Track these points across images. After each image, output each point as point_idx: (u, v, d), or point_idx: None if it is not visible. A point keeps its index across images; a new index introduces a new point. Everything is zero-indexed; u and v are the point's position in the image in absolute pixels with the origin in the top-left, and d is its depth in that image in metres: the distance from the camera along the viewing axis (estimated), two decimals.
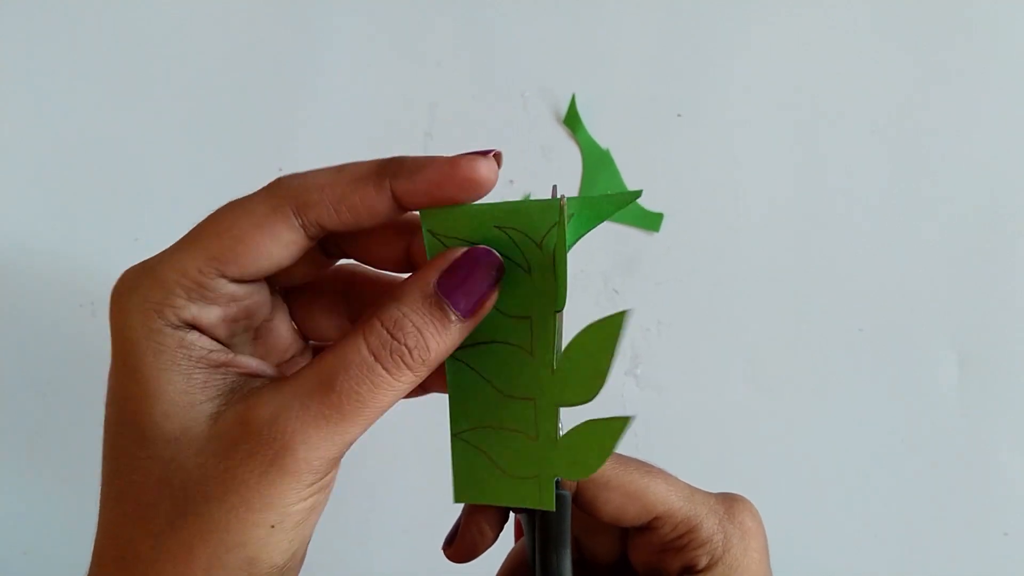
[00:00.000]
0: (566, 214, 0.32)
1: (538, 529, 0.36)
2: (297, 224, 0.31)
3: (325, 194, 0.31)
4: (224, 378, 0.31)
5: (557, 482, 0.35)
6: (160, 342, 0.30)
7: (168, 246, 0.32)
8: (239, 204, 0.31)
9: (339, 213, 0.31)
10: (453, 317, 0.31)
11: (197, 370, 0.30)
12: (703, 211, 0.65)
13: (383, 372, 0.30)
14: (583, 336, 0.33)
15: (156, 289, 0.30)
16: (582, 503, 0.37)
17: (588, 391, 0.34)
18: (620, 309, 0.33)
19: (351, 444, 0.30)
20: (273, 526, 0.29)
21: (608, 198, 0.34)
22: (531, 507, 0.35)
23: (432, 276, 0.31)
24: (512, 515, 0.40)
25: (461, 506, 0.40)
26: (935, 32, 0.66)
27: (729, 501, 0.37)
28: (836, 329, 0.65)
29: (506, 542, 0.41)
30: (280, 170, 0.32)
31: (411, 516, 0.64)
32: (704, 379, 0.65)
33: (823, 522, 0.64)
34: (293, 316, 0.38)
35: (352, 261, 0.37)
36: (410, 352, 0.30)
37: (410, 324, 0.30)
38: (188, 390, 0.30)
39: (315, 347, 0.40)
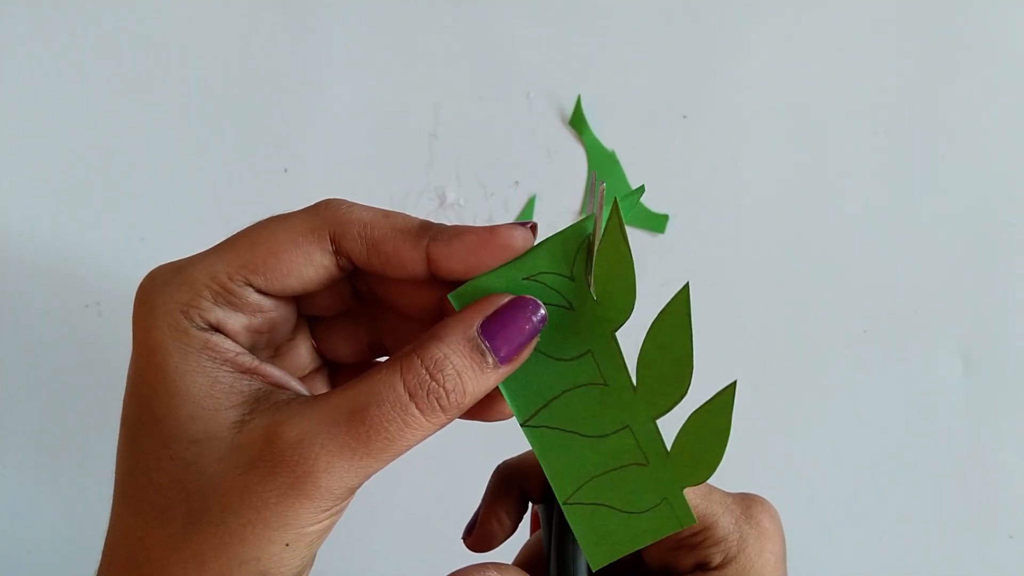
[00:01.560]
0: (603, 208, 0.32)
1: (555, 522, 0.36)
2: (331, 250, 0.31)
3: (365, 231, 0.31)
4: (250, 385, 0.31)
5: None
6: (186, 343, 0.30)
7: (201, 250, 0.32)
8: (280, 218, 0.32)
9: (370, 254, 0.31)
10: (491, 362, 0.31)
11: (223, 373, 0.30)
12: (708, 212, 0.65)
13: (416, 412, 0.29)
14: (652, 333, 0.34)
15: (184, 289, 0.30)
16: None
17: (679, 387, 0.35)
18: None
19: (371, 475, 0.30)
20: (287, 544, 0.29)
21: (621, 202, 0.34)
22: (673, 531, 0.33)
23: (477, 319, 0.31)
24: (530, 505, 0.40)
25: (478, 497, 0.40)
26: (939, 32, 0.66)
27: (748, 501, 0.37)
28: (840, 330, 0.65)
29: (522, 533, 0.41)
30: (285, 171, 0.32)
31: (424, 513, 0.64)
32: (708, 380, 0.65)
33: (826, 523, 0.64)
34: (313, 334, 0.38)
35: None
36: (447, 395, 0.30)
37: (451, 366, 0.30)
38: (214, 394, 0.30)
39: (332, 374, 0.39)
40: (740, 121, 0.66)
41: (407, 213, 0.32)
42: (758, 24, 0.66)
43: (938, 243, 0.65)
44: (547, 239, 0.32)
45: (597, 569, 0.34)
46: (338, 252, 0.31)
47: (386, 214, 0.32)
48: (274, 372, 0.32)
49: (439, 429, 0.30)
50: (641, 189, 0.36)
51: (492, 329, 0.31)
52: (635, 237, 0.65)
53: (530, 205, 0.65)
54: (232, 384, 0.30)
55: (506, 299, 0.32)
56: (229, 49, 0.66)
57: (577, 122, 0.65)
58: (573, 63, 0.66)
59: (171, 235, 0.63)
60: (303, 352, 0.37)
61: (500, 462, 0.40)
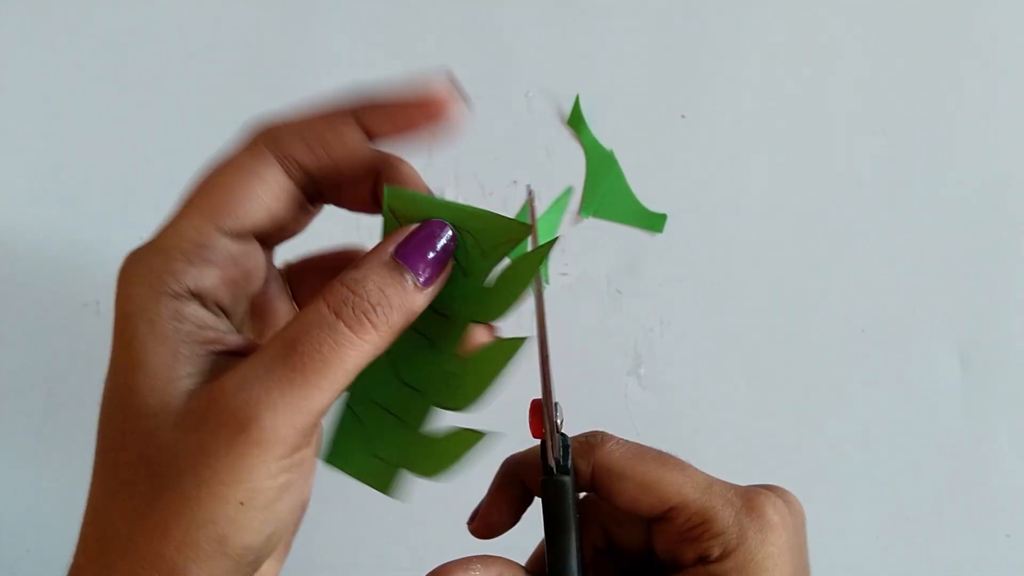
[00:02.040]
0: (534, 222, 0.33)
1: (543, 513, 0.37)
2: (276, 164, 0.32)
3: (301, 132, 0.32)
4: (208, 356, 0.31)
5: (556, 468, 0.36)
6: (155, 311, 0.30)
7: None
8: (221, 159, 0.32)
9: (314, 150, 0.32)
10: (411, 281, 0.31)
11: (184, 344, 0.30)
12: (706, 212, 0.65)
13: (345, 329, 0.30)
14: (486, 351, 0.35)
15: (157, 256, 0.31)
16: (600, 492, 0.37)
17: (466, 402, 0.35)
18: (522, 336, 0.34)
19: (320, 414, 0.30)
20: (242, 503, 0.29)
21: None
22: (377, 490, 0.36)
23: (390, 246, 0.32)
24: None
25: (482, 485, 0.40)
26: (938, 32, 0.66)
27: (751, 493, 0.37)
28: (838, 329, 0.65)
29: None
30: None
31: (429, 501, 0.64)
32: (706, 379, 0.65)
33: (824, 522, 0.64)
34: (295, 298, 0.38)
35: (354, 246, 0.38)
36: (373, 308, 0.30)
37: (372, 283, 0.31)
38: (173, 365, 0.30)
39: None
40: (738, 120, 0.66)
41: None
42: (756, 23, 0.66)
43: (937, 243, 0.65)
44: (498, 214, 0.33)
45: (324, 462, 0.37)
46: (288, 167, 0.32)
47: (309, 109, 0.33)
48: (237, 341, 0.32)
49: (375, 351, 0.31)
50: (567, 194, 0.37)
51: (406, 252, 0.32)
52: (634, 236, 0.65)
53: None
54: (191, 355, 0.30)
55: (414, 225, 0.33)
56: (227, 49, 0.66)
57: (575, 121, 0.65)
58: (571, 62, 0.66)
59: None
60: (283, 311, 0.37)
61: (508, 456, 0.41)
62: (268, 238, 0.35)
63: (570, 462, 0.37)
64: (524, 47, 0.66)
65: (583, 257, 0.64)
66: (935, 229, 0.65)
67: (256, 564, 0.31)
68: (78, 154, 0.65)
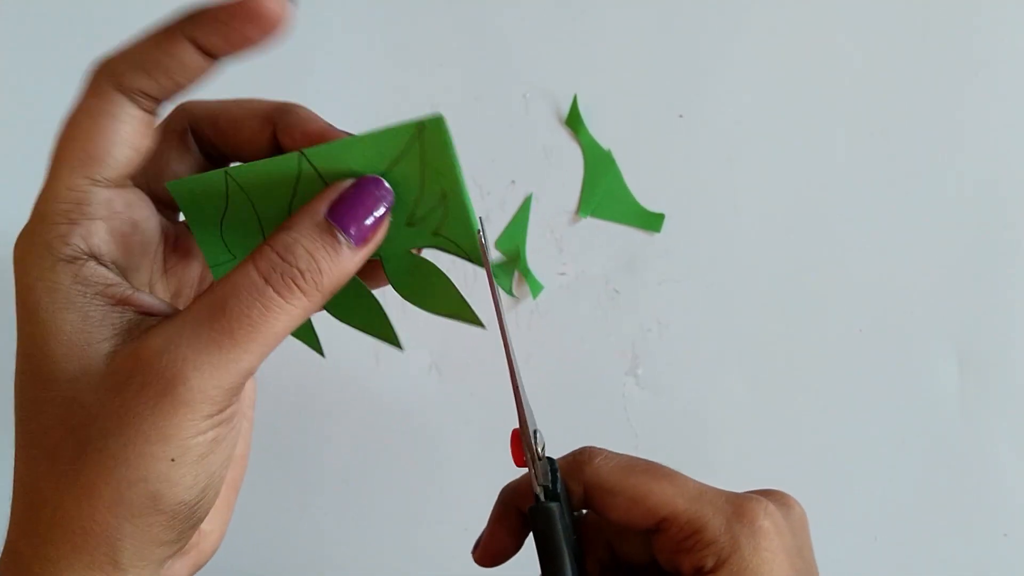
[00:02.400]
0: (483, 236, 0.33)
1: (535, 541, 0.36)
2: (129, 102, 0.31)
3: (135, 60, 0.31)
4: (122, 316, 0.30)
5: (544, 495, 0.36)
6: (54, 280, 0.30)
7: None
8: (69, 110, 0.32)
9: (153, 76, 0.31)
10: (343, 241, 0.31)
11: (93, 307, 0.30)
12: (704, 212, 0.65)
13: (274, 295, 0.29)
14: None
15: (40, 224, 0.30)
16: (594, 508, 0.37)
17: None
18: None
19: (247, 374, 0.30)
20: (173, 459, 0.29)
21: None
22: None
23: (322, 206, 0.31)
24: None
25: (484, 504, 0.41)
26: (938, 32, 0.66)
27: (741, 500, 0.36)
28: (836, 330, 0.65)
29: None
30: None
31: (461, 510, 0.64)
32: (704, 380, 0.65)
33: (821, 523, 0.64)
34: (220, 138, 0.38)
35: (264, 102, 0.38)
36: (302, 275, 0.30)
37: (301, 248, 0.30)
38: (85, 328, 0.30)
39: None
40: (736, 120, 0.66)
41: None
42: (754, 23, 0.66)
43: (935, 243, 0.65)
44: (373, 134, 0.33)
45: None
46: (136, 99, 0.31)
47: (142, 34, 0.32)
48: (149, 300, 0.31)
49: (305, 314, 0.31)
50: (527, 204, 0.36)
51: (339, 212, 0.31)
52: (632, 236, 0.65)
53: (526, 204, 0.65)
54: (103, 317, 0.30)
55: (349, 183, 0.32)
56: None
57: (573, 121, 0.65)
58: (569, 63, 0.66)
59: None
60: (196, 265, 0.37)
61: (505, 485, 0.41)
62: (157, 187, 0.35)
63: (559, 485, 0.37)
64: (522, 47, 0.66)
65: (581, 257, 0.64)
66: (933, 230, 0.65)
67: (193, 518, 0.31)
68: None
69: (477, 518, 0.41)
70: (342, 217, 0.31)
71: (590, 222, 0.64)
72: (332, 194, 0.32)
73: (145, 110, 0.31)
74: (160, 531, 0.30)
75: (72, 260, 0.30)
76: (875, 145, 0.65)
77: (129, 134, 0.31)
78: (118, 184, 0.32)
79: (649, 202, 0.65)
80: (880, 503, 0.64)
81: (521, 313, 0.64)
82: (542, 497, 0.36)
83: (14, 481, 0.31)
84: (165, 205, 0.35)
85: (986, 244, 0.65)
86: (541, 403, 0.64)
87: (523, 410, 0.37)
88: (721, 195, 0.65)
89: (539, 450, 0.37)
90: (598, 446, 0.38)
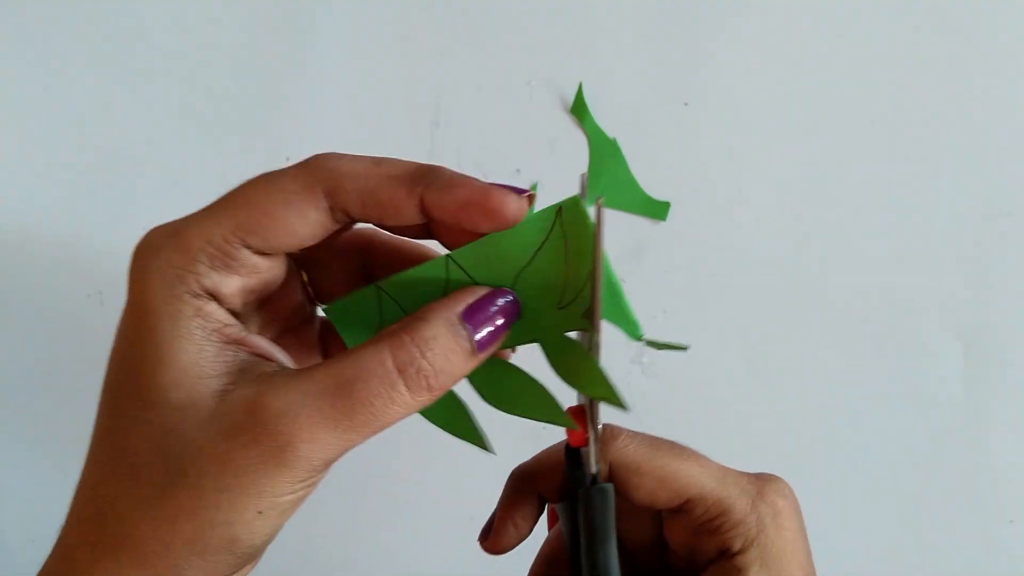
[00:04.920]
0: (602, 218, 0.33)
1: (583, 523, 0.36)
2: (325, 206, 0.31)
3: (358, 183, 0.31)
4: (235, 356, 0.31)
5: (598, 476, 0.36)
6: (178, 308, 0.30)
7: (195, 211, 0.32)
8: (271, 177, 0.32)
9: (365, 206, 0.31)
10: (469, 347, 0.31)
11: (210, 343, 0.30)
12: (710, 200, 0.65)
13: (403, 389, 0.30)
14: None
15: (180, 254, 0.31)
16: (617, 487, 0.37)
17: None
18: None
19: (350, 449, 0.30)
20: (260, 512, 0.29)
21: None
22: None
23: (459, 306, 0.32)
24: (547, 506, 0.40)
25: (491, 495, 0.41)
26: (940, 21, 0.65)
27: (762, 481, 0.37)
28: (840, 317, 0.65)
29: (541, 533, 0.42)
30: (287, 160, 0.32)
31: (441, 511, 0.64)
32: (709, 367, 0.65)
33: (826, 511, 0.64)
34: (308, 276, 0.38)
35: (370, 225, 0.37)
36: (436, 374, 0.30)
37: (439, 346, 0.31)
38: (199, 362, 0.30)
39: (323, 320, 0.40)
40: (742, 108, 0.65)
41: (399, 158, 0.32)
42: (760, 10, 0.66)
43: (939, 230, 0.65)
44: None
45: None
46: (333, 207, 0.31)
47: (378, 162, 0.32)
48: (261, 344, 0.32)
49: (421, 407, 0.31)
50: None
51: (472, 316, 0.32)
52: (636, 224, 0.65)
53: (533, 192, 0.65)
54: (218, 354, 0.30)
55: (485, 290, 0.33)
56: (229, 39, 0.66)
57: (578, 109, 0.65)
58: (574, 50, 0.66)
59: None
60: (292, 297, 0.37)
61: (515, 466, 0.41)
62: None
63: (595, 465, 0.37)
64: (526, 35, 0.66)
65: None
66: (938, 216, 0.65)
67: (255, 558, 0.32)
68: (81, 146, 0.65)
69: (481, 506, 0.41)
70: (474, 320, 0.32)
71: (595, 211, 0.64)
72: (469, 297, 0.32)
73: (335, 221, 0.32)
74: (223, 568, 0.30)
75: (196, 296, 0.30)
76: (880, 133, 0.65)
77: (305, 235, 0.32)
78: (267, 255, 0.32)
79: (654, 190, 0.65)
80: (885, 490, 0.64)
81: None
82: (600, 474, 0.36)
83: (80, 486, 0.32)
84: None
85: (990, 230, 0.65)
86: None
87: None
88: (726, 183, 0.65)
89: (599, 429, 0.37)
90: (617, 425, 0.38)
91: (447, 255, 0.33)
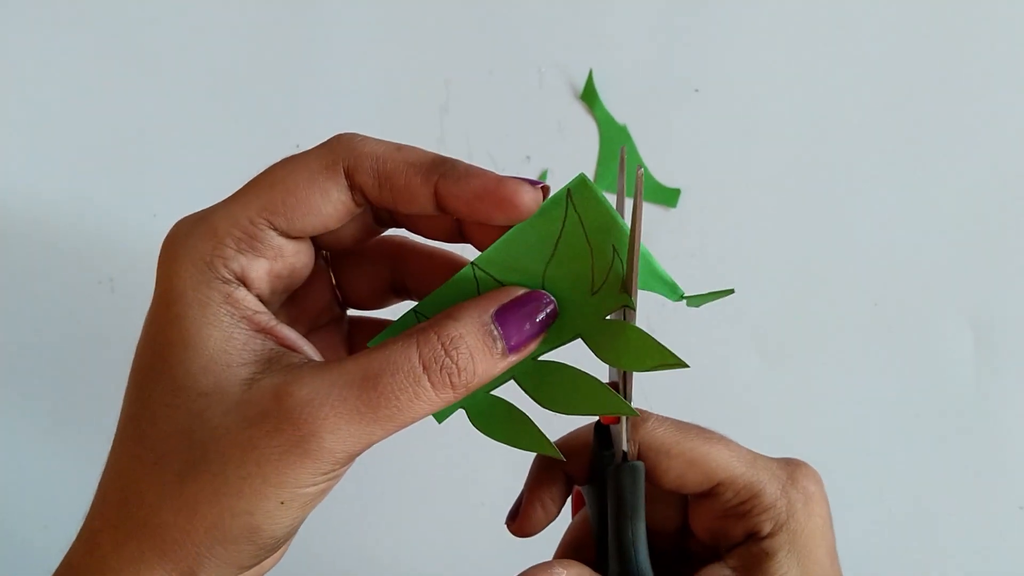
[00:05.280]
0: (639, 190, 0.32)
1: (612, 501, 0.36)
2: (346, 185, 0.32)
3: (377, 164, 0.31)
4: (263, 344, 0.31)
5: (628, 453, 0.36)
6: (207, 295, 0.30)
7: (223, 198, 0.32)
8: (296, 157, 0.32)
9: (382, 188, 0.31)
10: (500, 348, 0.31)
11: (239, 330, 0.31)
12: (719, 186, 0.65)
13: (428, 385, 0.30)
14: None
15: (208, 239, 0.31)
16: (646, 470, 0.37)
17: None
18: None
19: (374, 444, 0.30)
20: (283, 502, 0.30)
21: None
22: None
23: (492, 307, 0.32)
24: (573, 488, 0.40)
25: (513, 479, 0.40)
26: (951, 6, 0.65)
27: (792, 466, 0.37)
28: (851, 303, 0.64)
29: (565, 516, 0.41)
30: (297, 147, 0.32)
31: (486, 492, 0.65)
32: (719, 354, 0.65)
33: (835, 495, 0.64)
34: (337, 279, 0.38)
35: (402, 231, 0.38)
36: (460, 372, 0.30)
37: (465, 346, 0.31)
38: (227, 349, 0.30)
39: (351, 319, 0.40)
40: (752, 94, 0.65)
41: (418, 147, 0.32)
42: None
43: (950, 215, 0.64)
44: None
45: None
46: (352, 186, 0.32)
47: (399, 147, 0.32)
48: (289, 334, 0.32)
49: (442, 407, 0.31)
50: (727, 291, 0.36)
51: (505, 318, 0.32)
52: (647, 211, 0.64)
53: (542, 180, 0.64)
54: (246, 342, 0.31)
55: (521, 291, 0.33)
56: (239, 26, 0.66)
57: (589, 96, 0.65)
58: (584, 37, 0.65)
59: (184, 211, 0.62)
60: (320, 297, 0.38)
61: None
62: (324, 244, 0.36)
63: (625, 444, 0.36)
64: (537, 21, 0.66)
65: None
66: (948, 201, 0.64)
67: (276, 549, 0.32)
68: (91, 132, 0.65)
69: (493, 494, 0.41)
70: (508, 322, 0.32)
71: (606, 196, 0.64)
72: (502, 297, 0.32)
73: (356, 203, 0.32)
74: (245, 558, 0.31)
75: (226, 281, 0.31)
76: (893, 118, 0.65)
77: (329, 214, 0.32)
78: (294, 238, 0.32)
79: (665, 177, 0.65)
80: (895, 475, 0.64)
81: None
82: (628, 454, 0.36)
83: (106, 470, 0.32)
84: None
85: (1001, 215, 0.64)
86: None
87: None
88: (737, 170, 0.65)
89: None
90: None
91: (471, 263, 0.33)
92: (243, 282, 0.31)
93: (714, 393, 0.64)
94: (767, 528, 0.35)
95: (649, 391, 0.64)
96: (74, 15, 0.65)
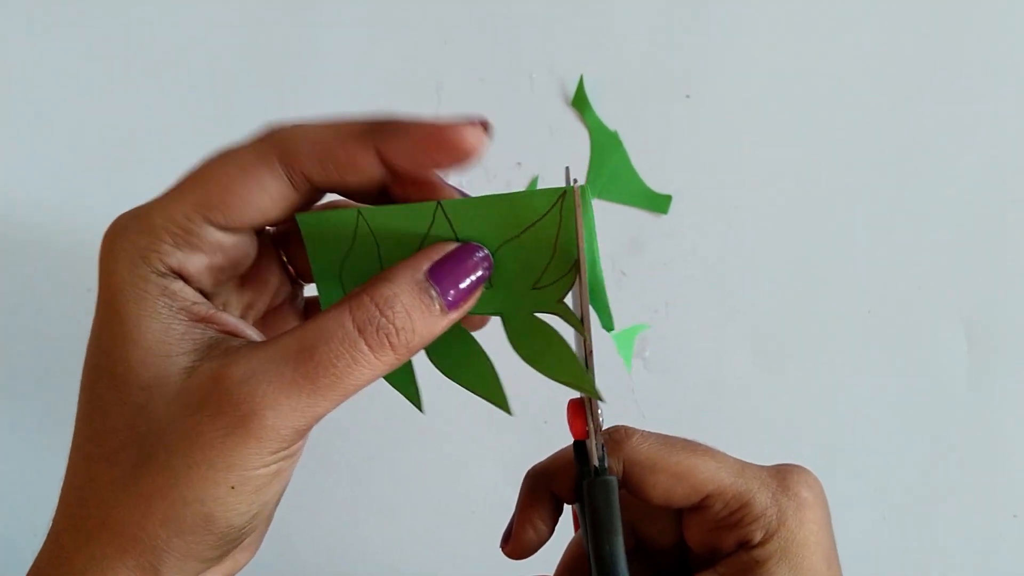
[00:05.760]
0: (581, 200, 0.32)
1: (588, 517, 0.36)
2: (284, 175, 0.31)
3: (314, 148, 0.31)
4: (203, 333, 0.31)
5: (601, 467, 0.36)
6: (144, 288, 0.30)
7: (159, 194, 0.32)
8: (228, 152, 0.31)
9: (325, 168, 0.31)
10: (439, 306, 0.31)
11: (177, 321, 0.30)
12: (711, 192, 0.65)
13: (365, 349, 0.29)
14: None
15: (144, 234, 0.31)
16: (631, 487, 0.37)
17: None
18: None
19: (320, 418, 0.30)
20: (233, 487, 0.29)
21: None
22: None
23: (425, 264, 0.31)
24: (568, 508, 0.40)
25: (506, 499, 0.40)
26: (946, 10, 0.65)
27: (783, 473, 0.37)
28: (845, 309, 0.64)
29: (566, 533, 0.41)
30: None
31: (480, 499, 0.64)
32: (712, 361, 0.65)
33: (830, 502, 0.64)
34: (287, 255, 0.38)
35: (343, 200, 0.37)
36: (397, 332, 0.30)
37: (400, 304, 0.30)
38: (166, 340, 0.30)
39: (309, 300, 0.40)
40: (743, 100, 0.65)
41: (352, 117, 0.32)
42: (762, 2, 0.65)
43: (942, 221, 0.64)
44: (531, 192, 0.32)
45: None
46: (292, 174, 0.31)
47: (330, 123, 0.31)
48: (230, 320, 0.32)
49: (387, 370, 0.31)
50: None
51: (440, 274, 0.31)
52: (638, 218, 0.64)
53: (532, 186, 0.64)
54: (185, 332, 0.30)
55: (453, 246, 0.32)
56: (231, 29, 0.65)
57: (579, 102, 0.64)
58: (576, 42, 0.65)
59: None
60: (272, 276, 0.37)
61: (529, 468, 0.40)
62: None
63: (607, 461, 0.36)
64: (528, 27, 0.66)
65: None
66: (941, 207, 0.64)
67: (238, 540, 0.32)
68: (81, 139, 0.64)
69: (483, 501, 0.41)
70: (442, 279, 0.31)
71: (596, 203, 0.64)
72: (435, 254, 0.32)
73: (296, 190, 0.32)
74: (205, 549, 0.30)
75: (162, 275, 0.30)
76: (884, 122, 0.65)
77: (268, 206, 0.31)
78: (232, 231, 0.32)
79: (656, 183, 0.65)
80: (889, 483, 0.64)
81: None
82: (610, 470, 0.36)
83: (67, 473, 0.32)
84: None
85: (993, 220, 0.64)
86: (548, 386, 0.64)
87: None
88: (728, 176, 0.65)
89: (601, 421, 0.36)
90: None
91: (438, 202, 0.32)
92: (181, 276, 0.31)
93: (710, 399, 0.64)
94: (758, 536, 0.35)
95: (645, 396, 0.64)
96: (69, 15, 0.65)
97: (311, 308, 0.40)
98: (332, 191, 0.33)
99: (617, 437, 0.37)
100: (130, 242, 0.31)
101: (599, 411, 0.36)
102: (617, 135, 0.65)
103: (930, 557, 0.64)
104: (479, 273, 0.32)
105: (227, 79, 0.65)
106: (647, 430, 0.38)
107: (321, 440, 0.64)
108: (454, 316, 0.32)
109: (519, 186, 0.64)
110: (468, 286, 0.32)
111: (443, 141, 0.30)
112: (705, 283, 0.65)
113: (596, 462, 0.36)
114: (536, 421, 0.64)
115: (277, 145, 0.31)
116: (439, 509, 0.64)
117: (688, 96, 0.65)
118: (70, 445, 0.32)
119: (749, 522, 0.35)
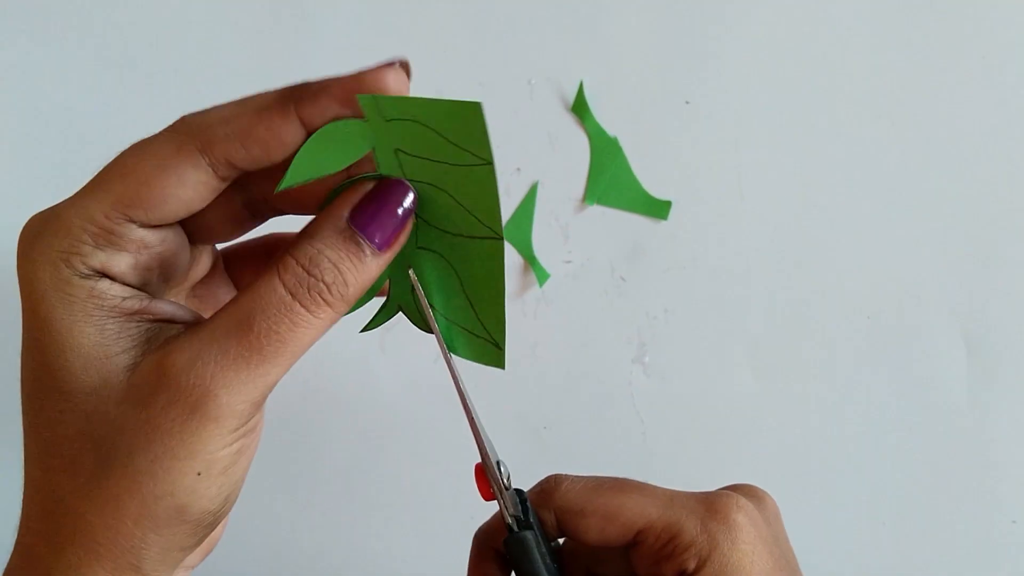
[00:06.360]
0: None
1: (515, 572, 0.37)
2: (204, 163, 0.30)
3: (231, 128, 0.29)
4: (139, 327, 0.30)
5: (522, 523, 0.36)
6: (70, 293, 0.29)
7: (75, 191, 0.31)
8: (142, 145, 0.30)
9: (247, 148, 0.30)
10: (368, 251, 0.30)
11: (110, 320, 0.30)
12: (711, 198, 0.65)
13: (301, 310, 0.29)
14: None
15: (62, 236, 0.29)
16: (567, 533, 0.37)
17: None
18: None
19: (274, 385, 0.30)
20: (199, 473, 0.29)
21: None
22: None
23: (344, 210, 0.31)
24: None
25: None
26: (946, 18, 0.65)
27: (711, 499, 0.37)
28: (844, 316, 0.64)
29: None
30: None
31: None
32: (711, 367, 0.64)
33: (828, 511, 0.64)
34: (230, 275, 0.38)
35: (285, 234, 0.37)
36: (328, 288, 0.30)
37: (326, 260, 0.30)
38: (103, 342, 0.29)
39: (224, 254, 0.39)
40: (743, 106, 0.65)
41: (262, 90, 0.31)
42: (762, 8, 0.65)
43: (942, 228, 0.64)
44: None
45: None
46: (214, 161, 0.30)
47: (241, 101, 0.30)
48: (165, 308, 0.31)
49: (331, 324, 0.30)
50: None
51: (363, 218, 0.31)
52: (638, 223, 0.64)
53: (532, 191, 0.64)
54: (120, 330, 0.30)
55: (370, 185, 0.31)
56: (228, 34, 0.65)
57: (579, 108, 0.65)
58: (575, 48, 0.65)
59: None
60: (223, 292, 0.37)
61: (477, 528, 0.41)
62: (201, 237, 0.34)
63: (532, 515, 0.37)
64: (527, 33, 0.66)
65: (587, 245, 0.64)
66: (941, 214, 0.64)
67: (214, 524, 0.31)
68: (75, 146, 0.64)
69: (489, 511, 0.41)
70: (365, 223, 0.31)
71: (596, 209, 0.64)
72: (354, 197, 0.31)
73: (221, 178, 0.31)
74: (183, 538, 0.30)
75: (86, 277, 0.30)
76: (882, 130, 0.65)
77: (191, 197, 0.30)
78: (155, 227, 0.31)
79: (656, 189, 0.65)
80: (888, 489, 0.64)
81: (527, 301, 0.64)
82: (515, 527, 0.36)
83: (25, 486, 0.31)
84: (195, 234, 0.34)
85: (993, 228, 0.64)
86: (547, 392, 0.64)
87: (483, 443, 0.36)
88: (728, 182, 0.65)
89: (505, 480, 0.37)
90: (563, 472, 0.39)
91: (374, 97, 0.30)
92: (109, 277, 0.30)
93: (709, 405, 0.64)
94: (692, 565, 0.35)
95: (644, 403, 0.64)
96: (64, 15, 0.65)
97: (229, 262, 0.39)
98: (258, 169, 0.31)
99: (548, 488, 0.37)
100: (48, 245, 0.29)
101: (501, 472, 0.36)
102: (617, 141, 0.65)
103: (930, 563, 0.64)
104: (406, 208, 0.31)
105: (222, 86, 0.65)
106: (578, 475, 0.38)
107: (315, 449, 0.64)
108: (388, 256, 0.31)
109: (518, 191, 0.64)
110: (396, 223, 0.31)
111: (365, 89, 0.30)
112: (705, 290, 0.65)
113: (508, 520, 0.36)
114: (536, 427, 0.64)
115: (194, 133, 0.30)
116: (435, 516, 0.64)
117: (688, 102, 0.65)
118: (23, 460, 0.31)
119: (681, 551, 0.35)
